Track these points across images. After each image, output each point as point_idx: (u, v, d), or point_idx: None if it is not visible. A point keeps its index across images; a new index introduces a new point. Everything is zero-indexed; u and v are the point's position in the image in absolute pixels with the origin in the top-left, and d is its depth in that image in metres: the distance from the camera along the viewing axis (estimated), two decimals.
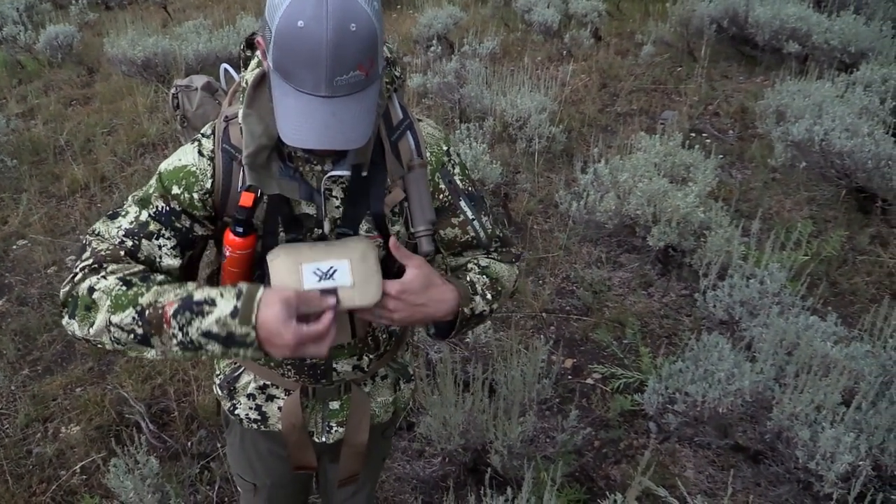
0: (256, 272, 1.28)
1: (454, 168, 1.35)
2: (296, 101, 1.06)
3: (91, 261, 1.17)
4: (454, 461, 2.48)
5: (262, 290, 1.09)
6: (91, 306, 1.12)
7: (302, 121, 1.06)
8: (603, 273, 3.67)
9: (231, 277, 1.25)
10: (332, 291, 1.16)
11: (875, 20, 5.47)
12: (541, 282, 3.65)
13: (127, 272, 1.16)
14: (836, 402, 2.05)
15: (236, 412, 1.49)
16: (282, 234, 1.25)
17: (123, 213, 1.22)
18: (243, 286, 1.11)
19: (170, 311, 1.08)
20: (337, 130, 1.06)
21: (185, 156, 1.25)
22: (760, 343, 2.36)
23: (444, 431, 2.38)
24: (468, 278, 1.34)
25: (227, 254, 1.23)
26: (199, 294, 1.09)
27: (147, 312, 1.09)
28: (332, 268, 1.19)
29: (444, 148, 1.34)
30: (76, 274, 1.17)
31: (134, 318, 1.10)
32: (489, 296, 1.33)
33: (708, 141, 4.83)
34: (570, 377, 3.04)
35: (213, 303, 1.08)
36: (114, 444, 2.31)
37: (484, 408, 2.37)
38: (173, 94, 1.46)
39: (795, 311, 2.54)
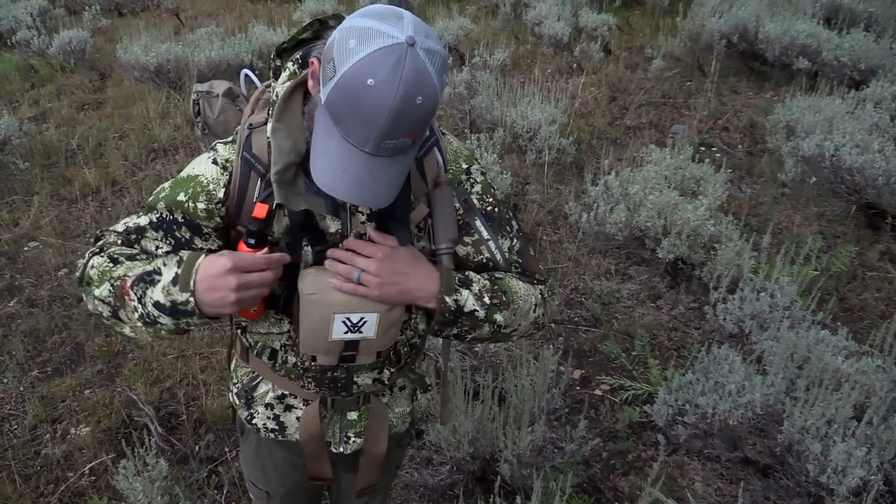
0: (283, 288, 1.25)
1: (473, 186, 1.32)
2: (338, 147, 1.05)
3: (96, 248, 1.27)
4: (462, 469, 2.48)
5: (202, 257, 1.14)
6: (90, 282, 1.23)
7: (339, 170, 1.05)
8: (612, 285, 3.67)
9: None
10: (354, 345, 1.28)
11: (885, 38, 5.50)
12: (550, 293, 3.64)
13: (118, 250, 1.24)
14: (847, 416, 2.05)
15: (254, 421, 1.47)
16: (307, 247, 1.24)
17: (132, 218, 1.28)
18: (184, 254, 1.16)
19: (128, 282, 1.16)
20: (370, 189, 1.06)
21: (198, 165, 1.25)
22: (771, 356, 2.36)
23: (453, 439, 2.38)
24: (467, 274, 1.28)
25: None
26: (152, 265, 1.17)
27: (115, 285, 1.18)
28: (362, 319, 1.23)
29: (464, 166, 1.32)
30: (86, 258, 1.26)
31: (109, 290, 1.19)
32: (486, 299, 1.25)
33: (717, 155, 4.84)
34: (578, 388, 3.04)
35: (159, 272, 1.15)
36: (123, 445, 2.31)
37: (493, 416, 2.37)
38: (194, 101, 1.46)
39: (806, 325, 2.54)
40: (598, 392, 3.01)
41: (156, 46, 6.48)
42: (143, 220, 1.25)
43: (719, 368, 2.31)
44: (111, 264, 1.21)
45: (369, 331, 1.24)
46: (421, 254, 1.26)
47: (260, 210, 1.18)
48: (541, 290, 1.37)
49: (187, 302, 1.12)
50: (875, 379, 2.20)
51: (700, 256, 3.31)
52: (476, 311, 1.25)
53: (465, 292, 1.24)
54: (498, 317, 1.27)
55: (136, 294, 1.15)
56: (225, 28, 7.71)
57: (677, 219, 3.30)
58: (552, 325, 3.41)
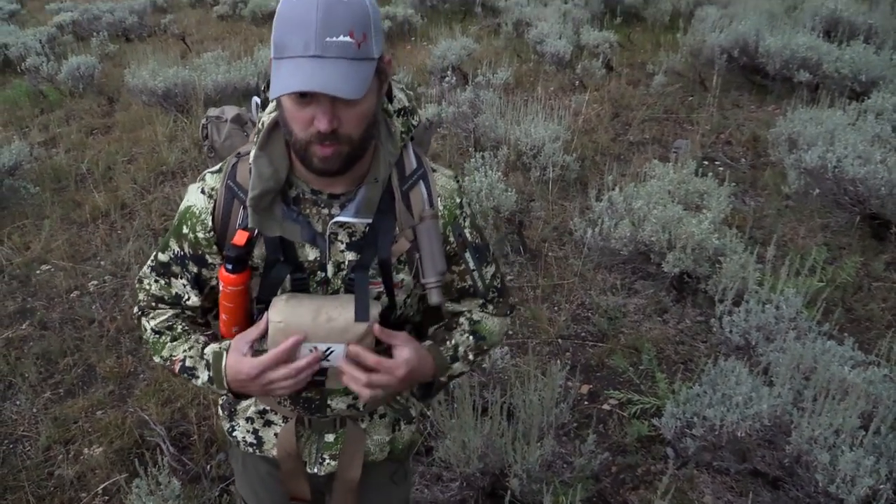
0: (258, 308, 1.30)
1: (465, 220, 1.36)
2: (287, 65, 1.06)
3: (137, 310, 1.45)
4: (472, 485, 2.49)
5: (224, 358, 1.29)
6: (146, 343, 1.44)
7: (289, 76, 1.05)
8: (618, 299, 3.69)
9: (225, 311, 1.29)
10: (322, 371, 1.29)
11: (885, 49, 5.54)
12: (556, 308, 3.67)
13: (157, 322, 1.40)
14: (854, 425, 2.05)
15: (234, 434, 1.50)
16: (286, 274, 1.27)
17: (155, 255, 1.40)
18: (209, 355, 1.32)
19: (176, 368, 1.37)
20: (322, 78, 1.04)
21: (190, 195, 1.30)
22: (777, 367, 2.37)
23: (462, 455, 2.39)
24: (453, 340, 1.40)
25: (221, 288, 1.27)
26: (188, 361, 1.35)
27: (167, 363, 1.38)
28: (328, 349, 1.23)
29: (458, 201, 1.35)
30: (136, 314, 1.45)
31: (164, 365, 1.40)
32: (471, 356, 1.41)
33: (721, 169, 4.87)
34: (586, 403, 3.05)
35: (195, 373, 1.34)
36: (136, 465, 2.34)
37: (502, 431, 2.38)
38: (203, 125, 1.49)
39: (812, 336, 2.55)
40: (606, 406, 3.02)
41: (163, 71, 6.58)
42: (164, 257, 1.37)
43: (726, 381, 2.32)
44: (157, 336, 1.40)
45: (336, 360, 1.25)
46: (416, 341, 1.33)
47: (240, 237, 1.22)
48: (510, 319, 1.52)
49: (227, 393, 1.32)
50: (882, 388, 2.21)
51: (705, 270, 3.32)
52: (463, 371, 1.43)
53: (455, 365, 1.40)
54: (477, 361, 1.46)
55: (184, 377, 1.36)
56: (231, 52, 7.81)
57: (682, 233, 3.32)
58: (559, 340, 3.43)
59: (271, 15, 9.87)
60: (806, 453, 2.09)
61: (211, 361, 1.31)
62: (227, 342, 1.32)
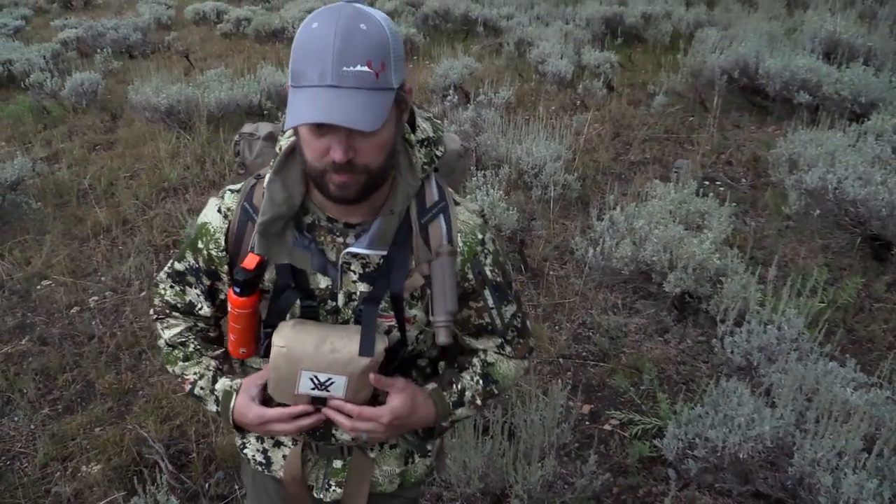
0: (265, 333, 1.30)
1: (486, 258, 1.31)
2: (303, 95, 1.04)
3: (153, 313, 1.48)
4: None
5: (233, 399, 1.35)
6: (160, 350, 1.48)
7: (305, 106, 1.04)
8: (619, 319, 3.68)
9: (233, 332, 1.29)
10: (321, 400, 1.27)
11: (884, 71, 5.57)
12: (557, 327, 3.67)
13: (171, 334, 1.44)
14: (857, 448, 2.04)
15: (245, 451, 1.50)
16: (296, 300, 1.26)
17: (172, 263, 1.41)
18: (220, 392, 1.38)
19: (186, 388, 1.43)
20: (338, 109, 1.02)
21: (208, 211, 1.30)
22: (779, 389, 2.36)
23: (463, 475, 2.38)
24: (461, 384, 1.37)
25: (229, 309, 1.26)
26: (199, 391, 1.41)
27: (179, 379, 1.44)
28: (329, 379, 1.22)
29: (479, 237, 1.30)
30: (152, 318, 1.49)
31: (174, 376, 1.45)
32: (478, 401, 1.38)
33: (721, 189, 4.88)
34: (587, 423, 3.03)
35: (204, 403, 1.41)
36: (135, 482, 2.32)
37: (503, 451, 2.37)
38: (236, 141, 1.48)
39: (814, 357, 2.54)
40: (607, 427, 3.00)
41: (166, 88, 6.61)
42: (180, 267, 1.38)
43: (728, 401, 2.31)
44: (170, 349, 1.44)
45: (337, 391, 1.23)
46: (415, 387, 1.32)
47: (250, 261, 1.21)
48: (527, 362, 1.48)
49: (230, 426, 1.39)
50: (885, 410, 2.20)
51: (706, 290, 3.32)
52: (469, 415, 1.41)
53: (459, 411, 1.37)
54: (485, 405, 1.43)
55: (194, 399, 1.43)
56: (234, 69, 7.86)
57: (683, 253, 3.32)
58: (560, 359, 3.42)
59: (274, 33, 9.98)
60: (809, 475, 2.08)
61: (220, 399, 1.37)
62: (238, 381, 1.36)
